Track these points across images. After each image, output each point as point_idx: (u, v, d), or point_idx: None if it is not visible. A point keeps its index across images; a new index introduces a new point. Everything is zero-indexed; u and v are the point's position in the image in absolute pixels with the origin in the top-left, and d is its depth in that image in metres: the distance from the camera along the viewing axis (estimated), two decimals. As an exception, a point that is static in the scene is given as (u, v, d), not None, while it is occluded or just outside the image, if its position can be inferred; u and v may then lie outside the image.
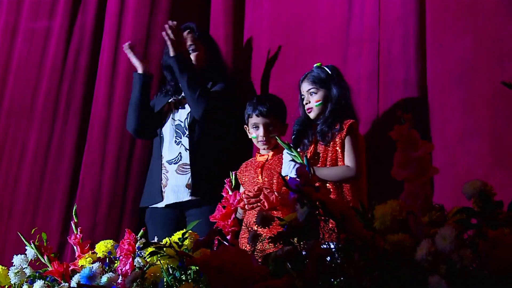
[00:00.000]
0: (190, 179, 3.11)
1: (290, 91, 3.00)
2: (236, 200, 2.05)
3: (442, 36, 2.54)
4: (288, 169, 2.60)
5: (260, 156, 2.96)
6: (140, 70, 3.28)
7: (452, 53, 2.46)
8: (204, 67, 3.31)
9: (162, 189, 3.18)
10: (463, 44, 2.40)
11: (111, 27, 3.89)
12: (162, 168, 3.21)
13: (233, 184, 2.32)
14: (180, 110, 3.29)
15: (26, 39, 3.97)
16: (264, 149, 2.95)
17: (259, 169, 2.90)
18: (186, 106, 3.25)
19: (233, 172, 2.54)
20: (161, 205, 3.19)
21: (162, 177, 3.19)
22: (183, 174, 3.15)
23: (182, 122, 3.24)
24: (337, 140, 2.67)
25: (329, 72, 2.78)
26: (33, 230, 2.60)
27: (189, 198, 3.10)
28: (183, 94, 3.28)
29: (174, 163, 3.18)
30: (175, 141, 3.22)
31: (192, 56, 3.29)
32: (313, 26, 3.29)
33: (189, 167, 3.14)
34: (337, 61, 3.01)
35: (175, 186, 3.15)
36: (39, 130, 3.80)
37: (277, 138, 2.43)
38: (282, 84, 3.28)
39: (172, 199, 3.15)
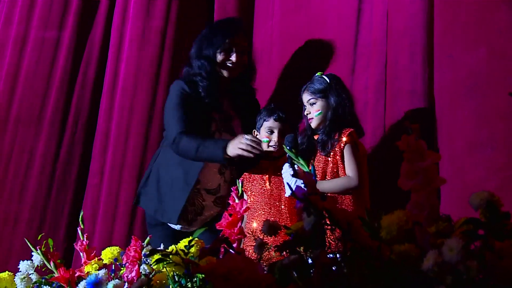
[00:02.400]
0: None
1: (297, 102, 3.01)
2: (242, 208, 2.04)
3: (452, 47, 2.54)
4: (293, 185, 2.60)
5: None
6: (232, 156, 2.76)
7: (463, 65, 2.46)
8: (244, 68, 3.06)
9: (194, 216, 3.00)
10: (476, 56, 2.40)
11: (114, 40, 3.94)
12: (199, 194, 2.99)
13: (240, 192, 2.32)
14: (229, 136, 2.96)
15: (36, 49, 4.01)
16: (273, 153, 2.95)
17: (266, 176, 2.90)
18: (236, 133, 2.94)
19: (239, 180, 2.54)
20: (177, 227, 3.02)
21: (196, 202, 2.99)
22: (220, 207, 3.02)
23: None
24: (336, 149, 2.68)
25: (328, 81, 2.79)
26: (40, 236, 2.61)
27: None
28: (223, 99, 2.98)
29: (212, 194, 3.02)
30: (219, 170, 2.99)
31: (243, 59, 3.02)
32: (322, 38, 3.30)
33: (224, 199, 3.00)
34: (345, 72, 3.02)
35: (209, 217, 3.03)
36: (47, 140, 3.83)
37: (284, 147, 2.43)
38: (291, 94, 3.28)
39: (196, 225, 3.01)
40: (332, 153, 2.69)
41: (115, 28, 3.97)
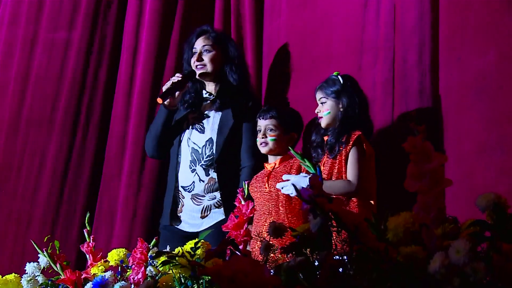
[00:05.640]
0: (207, 210, 3.10)
1: (306, 99, 3.01)
2: (248, 210, 2.05)
3: (460, 49, 2.53)
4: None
5: (267, 164, 2.98)
6: (166, 103, 3.19)
7: (472, 67, 2.44)
8: (219, 69, 3.25)
9: (178, 213, 3.17)
10: (485, 59, 2.38)
11: (130, 43, 3.94)
12: (178, 191, 3.18)
13: (246, 194, 2.32)
14: (198, 132, 3.21)
15: (46, 50, 3.99)
16: (264, 152, 2.98)
17: (266, 177, 2.91)
18: (206, 130, 3.19)
19: (245, 182, 2.55)
20: (176, 226, 3.18)
21: (178, 201, 3.17)
22: (197, 205, 3.13)
23: (199, 148, 3.17)
24: (343, 153, 2.67)
25: (341, 82, 2.78)
26: (46, 238, 2.62)
27: (202, 228, 3.09)
28: (204, 104, 3.26)
29: (188, 191, 3.15)
30: (190, 167, 3.16)
31: (206, 58, 3.23)
32: (328, 35, 3.30)
33: (202, 198, 3.11)
34: (352, 69, 3.01)
35: (190, 216, 3.14)
36: (59, 141, 3.82)
37: (290, 148, 2.43)
38: (298, 93, 3.29)
39: (187, 227, 3.14)
40: (339, 156, 2.69)
41: (129, 31, 3.97)
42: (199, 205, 3.12)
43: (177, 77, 3.15)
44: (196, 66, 3.22)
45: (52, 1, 4.09)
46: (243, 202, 2.24)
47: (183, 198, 3.16)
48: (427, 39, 2.80)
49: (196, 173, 3.14)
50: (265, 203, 2.87)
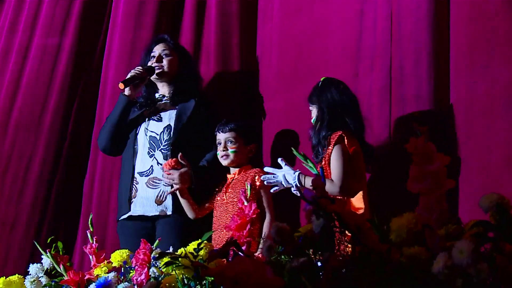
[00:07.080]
0: (163, 196, 3.09)
1: (302, 105, 3.00)
2: (251, 211, 2.05)
3: (488, 58, 2.50)
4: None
5: (228, 174, 3.02)
6: (127, 93, 3.25)
7: (501, 76, 2.41)
8: (176, 73, 3.33)
9: (131, 199, 3.16)
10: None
11: (107, 50, 3.96)
12: (133, 179, 3.18)
13: (249, 195, 2.33)
14: (155, 121, 3.26)
15: (37, 55, 3.99)
16: (226, 164, 3.03)
17: (225, 188, 2.96)
18: (164, 118, 3.24)
19: (248, 183, 2.55)
20: (125, 216, 3.17)
21: (132, 187, 3.17)
22: (153, 188, 3.12)
23: (157, 135, 3.21)
24: (326, 156, 2.64)
25: (317, 87, 2.77)
26: (49, 239, 2.62)
27: (157, 213, 3.09)
28: (159, 103, 3.31)
29: (145, 176, 3.15)
30: (148, 153, 3.18)
31: (165, 61, 3.32)
32: (325, 41, 3.28)
33: (159, 181, 3.11)
34: (349, 76, 3.00)
35: (144, 199, 3.13)
36: (46, 145, 3.82)
37: (292, 149, 2.43)
38: (293, 98, 3.27)
39: (139, 211, 3.13)
40: (323, 159, 2.66)
41: (109, 37, 3.99)
42: (155, 188, 3.12)
43: (138, 69, 3.24)
44: (155, 67, 3.32)
45: (47, 8, 4.10)
46: (246, 203, 2.25)
47: (137, 184, 3.16)
48: (424, 46, 2.79)
49: (155, 157, 3.17)
50: (222, 214, 2.90)
